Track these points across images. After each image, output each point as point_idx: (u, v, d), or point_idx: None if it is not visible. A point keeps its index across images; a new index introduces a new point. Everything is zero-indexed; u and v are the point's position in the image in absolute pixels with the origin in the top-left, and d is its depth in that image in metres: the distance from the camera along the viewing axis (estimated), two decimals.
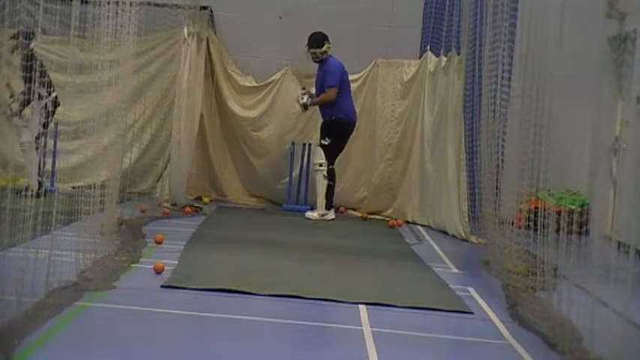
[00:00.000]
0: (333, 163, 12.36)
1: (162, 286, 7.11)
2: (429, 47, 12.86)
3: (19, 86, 11.11)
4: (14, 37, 9.72)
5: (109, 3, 7.96)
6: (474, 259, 9.80)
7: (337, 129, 12.34)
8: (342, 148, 12.54)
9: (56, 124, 11.79)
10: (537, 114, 8.16)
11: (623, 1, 11.86)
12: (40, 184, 11.00)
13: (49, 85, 10.69)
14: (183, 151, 12.21)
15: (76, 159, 9.68)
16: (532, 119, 8.22)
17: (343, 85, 12.45)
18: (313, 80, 12.68)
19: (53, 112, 11.64)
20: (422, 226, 12.34)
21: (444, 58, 12.18)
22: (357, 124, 12.63)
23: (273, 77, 13.52)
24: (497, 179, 9.52)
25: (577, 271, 6.69)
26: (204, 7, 13.44)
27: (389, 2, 13.73)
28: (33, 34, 10.26)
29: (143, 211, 11.08)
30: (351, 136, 12.59)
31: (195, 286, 7.15)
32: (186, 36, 12.18)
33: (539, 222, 7.64)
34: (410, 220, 12.69)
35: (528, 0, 9.00)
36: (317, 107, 12.59)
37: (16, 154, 11.92)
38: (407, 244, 10.80)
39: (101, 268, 7.26)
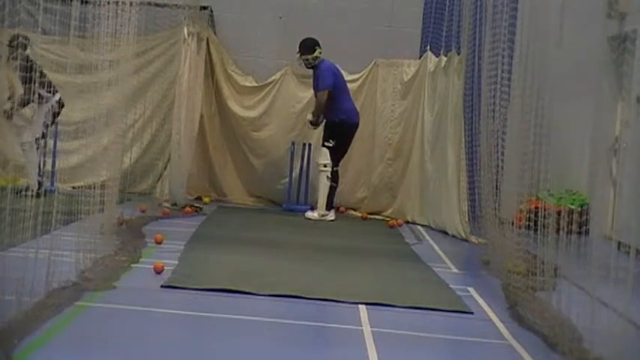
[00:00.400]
0: (337, 165, 12.36)
1: (162, 286, 7.11)
2: (429, 47, 12.86)
3: (19, 87, 11.12)
4: (10, 44, 9.71)
5: (109, 3, 7.95)
6: (474, 259, 9.80)
7: (340, 130, 12.34)
8: (346, 151, 12.53)
9: (56, 124, 11.79)
10: (537, 114, 8.16)
11: (623, 1, 11.86)
12: (39, 184, 11.01)
13: (50, 85, 10.68)
14: (183, 151, 12.21)
15: (76, 159, 9.69)
16: (532, 119, 8.22)
17: (340, 87, 12.44)
18: (312, 80, 12.69)
19: (59, 114, 11.66)
20: (422, 226, 12.34)
21: (444, 58, 12.18)
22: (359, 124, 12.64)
23: (273, 77, 13.53)
24: (497, 179, 9.52)
25: (577, 271, 6.70)
26: (204, 7, 13.44)
27: (389, 2, 13.73)
28: (28, 39, 10.27)
29: (143, 211, 11.08)
30: None
31: (195, 286, 7.15)
32: (186, 36, 12.18)
33: (539, 222, 7.64)
34: (410, 220, 12.69)
35: (528, 0, 9.00)
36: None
37: (16, 154, 11.92)
38: (407, 244, 10.81)
39: (101, 268, 7.26)
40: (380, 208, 13.27)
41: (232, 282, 7.34)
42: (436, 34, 12.80)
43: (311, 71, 12.58)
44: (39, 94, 10.81)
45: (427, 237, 11.46)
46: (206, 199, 13.13)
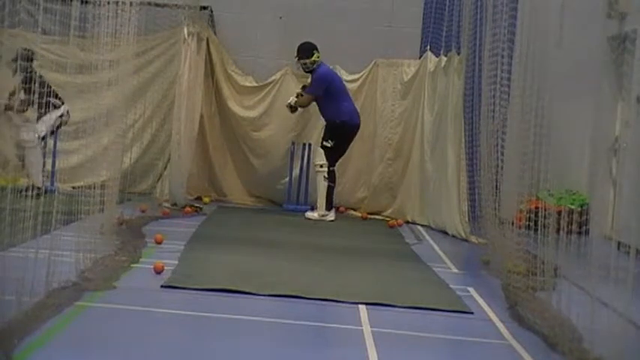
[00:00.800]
0: (333, 165, 12.36)
1: (162, 286, 7.11)
2: (429, 47, 12.86)
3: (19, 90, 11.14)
4: (15, 60, 9.70)
5: (109, 3, 7.95)
6: (474, 259, 9.80)
7: (341, 132, 12.35)
8: (344, 152, 12.55)
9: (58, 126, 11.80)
10: (537, 114, 8.15)
11: (623, 1, 11.86)
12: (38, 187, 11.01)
13: (58, 96, 10.76)
14: (183, 151, 12.21)
15: (76, 159, 9.68)
16: (532, 119, 8.22)
17: (337, 89, 12.45)
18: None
19: (66, 123, 11.70)
20: (422, 226, 12.34)
21: (444, 58, 12.18)
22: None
23: (273, 77, 13.52)
24: (497, 179, 9.52)
25: (577, 271, 6.70)
26: (204, 7, 13.44)
27: (389, 2, 13.73)
28: (33, 53, 10.28)
29: (143, 211, 11.08)
30: None
31: (195, 286, 7.15)
32: (186, 36, 12.18)
33: (539, 222, 7.64)
34: (410, 220, 12.69)
35: (528, 0, 9.00)
36: (317, 109, 12.61)
37: (13, 154, 11.92)
38: (407, 244, 10.80)
39: (101, 268, 7.26)
40: (380, 208, 13.27)
41: (232, 282, 7.34)
42: (436, 34, 12.80)
43: None
44: (52, 102, 10.87)
45: (427, 237, 11.46)
46: (206, 199, 13.13)
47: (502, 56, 9.55)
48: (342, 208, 13.16)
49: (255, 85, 13.57)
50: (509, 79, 9.60)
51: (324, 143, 12.32)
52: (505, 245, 8.79)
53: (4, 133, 12.21)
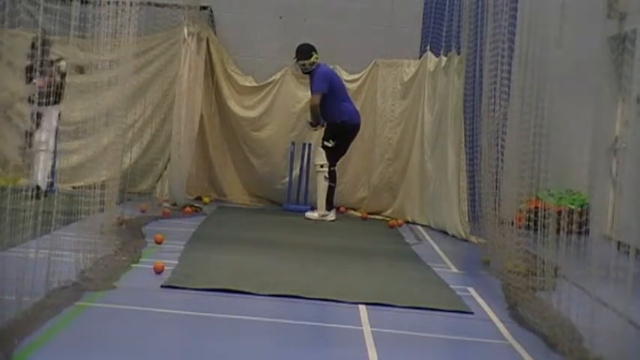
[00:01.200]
0: (334, 165, 12.37)
1: (162, 286, 7.11)
2: (429, 47, 12.87)
3: (19, 87, 11.08)
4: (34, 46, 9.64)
5: (109, 3, 7.95)
6: (473, 259, 9.80)
7: (342, 132, 12.36)
8: (345, 151, 12.57)
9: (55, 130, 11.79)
10: (537, 114, 8.15)
11: (623, 1, 11.85)
12: (38, 186, 11.00)
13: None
14: (184, 151, 12.21)
15: (76, 159, 9.68)
16: (532, 119, 8.22)
17: (337, 89, 12.45)
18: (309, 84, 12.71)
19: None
20: (422, 226, 12.35)
21: (444, 58, 12.19)
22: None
23: (273, 77, 13.53)
24: (497, 179, 9.51)
25: (577, 271, 6.69)
26: (204, 7, 13.45)
27: (389, 2, 13.74)
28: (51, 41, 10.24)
29: (143, 211, 11.09)
30: None
31: (195, 286, 7.15)
32: (186, 36, 12.19)
33: (539, 222, 7.64)
34: (410, 220, 12.69)
35: (528, 0, 9.00)
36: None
37: (16, 155, 11.90)
38: (407, 244, 10.80)
39: (101, 268, 7.26)
40: (380, 208, 13.27)
41: (232, 282, 7.34)
42: (436, 34, 12.80)
43: None
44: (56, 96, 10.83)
45: (427, 237, 11.47)
46: (206, 199, 13.13)
47: (502, 56, 9.55)
48: (342, 208, 13.17)
49: (255, 85, 13.58)
50: (509, 79, 9.60)
51: (325, 143, 12.32)
52: (505, 245, 8.79)
53: (4, 133, 12.21)
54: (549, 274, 7.66)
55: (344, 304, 7.00)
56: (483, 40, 10.65)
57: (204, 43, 12.98)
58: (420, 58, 13.13)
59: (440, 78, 12.26)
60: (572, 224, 7.35)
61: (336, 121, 12.33)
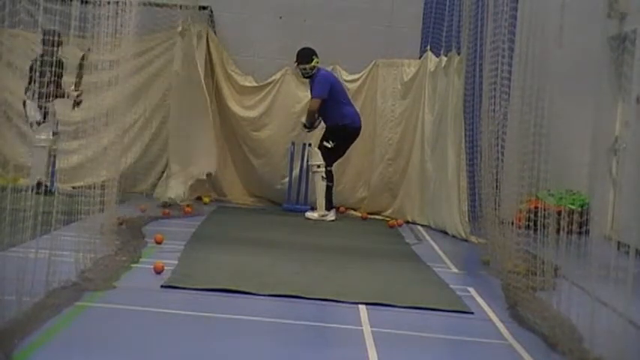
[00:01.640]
0: (331, 165, 12.37)
1: (162, 286, 7.11)
2: (429, 47, 12.86)
3: (20, 87, 11.11)
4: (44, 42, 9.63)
5: (109, 3, 7.95)
6: (473, 259, 9.80)
7: (343, 134, 12.37)
8: (344, 154, 12.57)
9: (56, 124, 11.79)
10: (537, 114, 8.16)
11: (623, 1, 11.86)
12: (39, 184, 11.00)
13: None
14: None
15: (76, 159, 9.67)
16: (532, 119, 8.22)
17: (338, 92, 12.46)
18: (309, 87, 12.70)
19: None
20: (422, 226, 12.35)
21: (445, 58, 12.18)
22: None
23: (273, 77, 13.53)
24: (497, 179, 9.52)
25: (577, 271, 6.69)
26: (204, 7, 13.44)
27: (389, 2, 13.73)
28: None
29: (143, 211, 11.08)
30: None
31: (195, 286, 7.15)
32: (178, 33, 12.31)
33: (539, 222, 7.64)
34: (410, 220, 12.69)
35: (528, 0, 9.00)
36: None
37: (16, 154, 11.92)
38: (407, 244, 10.80)
39: (101, 268, 7.26)
40: (380, 208, 13.27)
41: (232, 282, 7.34)
42: (436, 34, 12.80)
43: None
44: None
45: (427, 237, 11.47)
46: (206, 199, 13.13)
47: (502, 56, 9.54)
48: (342, 208, 13.16)
49: (255, 85, 13.58)
50: (509, 79, 9.60)
51: (324, 144, 12.32)
52: (505, 245, 8.79)
53: (4, 133, 12.22)
54: (549, 274, 7.66)
55: (344, 304, 7.00)
56: (483, 40, 10.65)
57: (203, 42, 12.98)
58: (420, 58, 13.12)
59: (440, 78, 12.26)
60: (572, 224, 7.35)
61: (338, 124, 12.33)
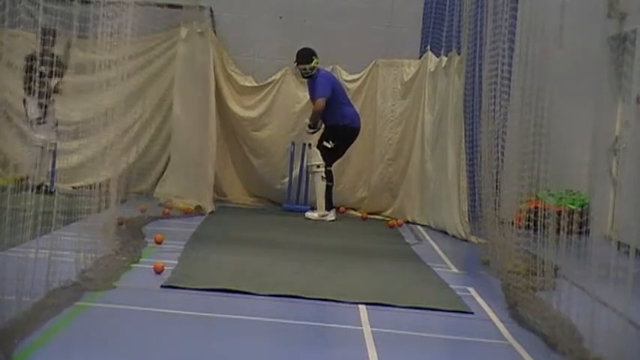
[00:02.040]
0: (330, 165, 12.37)
1: (162, 286, 7.11)
2: (429, 47, 12.86)
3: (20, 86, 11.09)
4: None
5: (109, 3, 7.95)
6: (473, 259, 9.80)
7: (343, 134, 12.38)
8: (343, 153, 12.58)
9: (56, 124, 11.79)
10: (537, 114, 8.16)
11: (623, 1, 11.86)
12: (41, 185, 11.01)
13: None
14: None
15: (76, 159, 9.68)
16: (532, 119, 8.22)
17: (339, 92, 12.46)
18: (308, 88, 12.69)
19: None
20: (422, 226, 12.35)
21: (445, 58, 12.18)
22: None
23: (273, 77, 13.53)
24: (497, 179, 9.52)
25: (577, 271, 6.69)
26: (204, 7, 13.44)
27: (389, 2, 13.74)
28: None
29: (143, 211, 11.08)
30: None
31: (195, 286, 7.15)
32: (182, 36, 12.28)
33: (539, 222, 7.64)
34: (410, 220, 12.69)
35: (528, 0, 9.00)
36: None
37: (16, 154, 11.92)
38: (407, 244, 10.80)
39: (101, 268, 7.27)
40: (380, 208, 13.27)
41: (232, 282, 7.34)
42: (436, 34, 12.80)
43: None
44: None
45: (427, 237, 11.46)
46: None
47: (502, 56, 9.55)
48: (342, 208, 13.16)
49: (255, 85, 13.57)
50: (509, 79, 9.60)
51: (324, 144, 12.32)
52: (505, 245, 8.79)
53: (4, 133, 12.22)
54: (549, 274, 7.66)
55: (344, 304, 7.00)
56: (483, 40, 10.65)
57: (207, 42, 12.99)
58: (420, 58, 13.12)
59: (440, 78, 12.26)
60: (572, 224, 7.35)
61: (339, 124, 12.34)
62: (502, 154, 9.49)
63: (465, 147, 11.69)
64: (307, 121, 12.50)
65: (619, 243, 6.24)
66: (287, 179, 13.33)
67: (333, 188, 12.45)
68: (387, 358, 5.62)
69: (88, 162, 9.27)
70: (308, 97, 12.87)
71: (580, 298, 6.25)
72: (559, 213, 7.45)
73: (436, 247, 10.63)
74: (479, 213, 10.52)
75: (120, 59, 8.53)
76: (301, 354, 5.71)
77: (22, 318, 5.30)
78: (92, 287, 6.68)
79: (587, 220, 7.32)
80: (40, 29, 6.32)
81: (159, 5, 13.19)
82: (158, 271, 7.55)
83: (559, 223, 6.95)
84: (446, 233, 11.61)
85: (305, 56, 12.38)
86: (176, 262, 8.10)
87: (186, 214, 11.73)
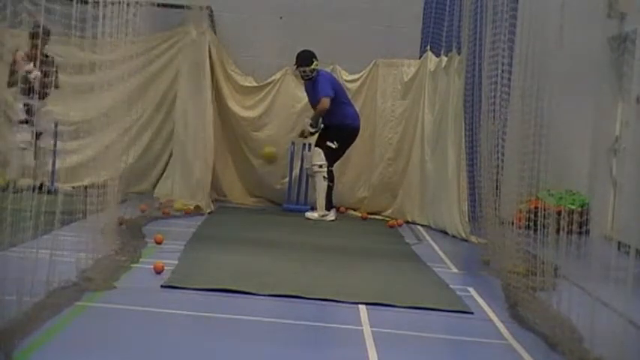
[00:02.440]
0: (332, 166, 12.38)
1: (162, 286, 7.11)
2: (429, 47, 12.87)
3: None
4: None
5: (112, 4, 7.95)
6: (473, 259, 9.81)
7: (346, 134, 12.39)
8: (344, 153, 12.60)
9: (56, 124, 11.79)
10: (537, 114, 8.16)
11: (623, 1, 11.86)
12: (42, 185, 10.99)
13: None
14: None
15: (76, 159, 9.68)
16: (532, 119, 8.22)
17: (340, 93, 12.47)
18: (307, 91, 12.68)
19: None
20: (422, 226, 12.35)
21: (445, 58, 12.19)
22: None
23: (273, 77, 13.52)
24: (497, 179, 9.52)
25: (577, 271, 6.70)
26: (202, 7, 13.42)
27: (389, 2, 13.74)
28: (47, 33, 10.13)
29: (143, 211, 11.08)
30: None
31: (195, 286, 7.15)
32: (194, 37, 12.28)
33: (539, 222, 7.64)
34: (410, 220, 12.69)
35: (528, 0, 9.00)
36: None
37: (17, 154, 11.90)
38: (407, 244, 10.81)
39: (101, 268, 7.26)
40: (380, 208, 13.27)
41: (232, 282, 7.34)
42: (436, 34, 12.80)
43: None
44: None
45: (427, 237, 11.47)
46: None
47: (502, 56, 9.55)
48: (342, 208, 13.16)
49: (255, 85, 13.57)
50: (509, 79, 9.60)
51: (329, 144, 12.31)
52: (505, 245, 8.79)
53: (5, 133, 12.21)
54: (549, 274, 7.66)
55: (344, 304, 7.00)
56: (483, 40, 10.65)
57: (207, 42, 13.00)
58: (420, 58, 13.13)
59: (440, 78, 12.27)
60: (572, 224, 7.35)
61: (343, 123, 12.34)
62: (502, 154, 9.50)
63: (465, 147, 11.68)
64: (308, 120, 12.49)
65: (619, 243, 6.24)
66: (287, 179, 13.33)
67: (334, 188, 12.45)
68: (387, 358, 5.62)
69: (88, 162, 9.26)
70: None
71: (580, 298, 6.25)
72: (559, 213, 7.45)
73: (436, 247, 10.63)
74: (479, 213, 10.52)
75: (120, 59, 8.53)
76: (301, 354, 5.71)
77: (23, 318, 5.30)
78: (92, 287, 6.68)
79: (587, 220, 7.33)
80: (32, 28, 6.31)
81: (159, 5, 13.18)
82: (158, 271, 7.55)
83: (559, 223, 6.95)
84: (446, 233, 11.62)
85: (305, 58, 12.37)
86: (176, 262, 8.11)
87: (186, 214, 11.73)
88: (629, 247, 5.80)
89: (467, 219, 11.41)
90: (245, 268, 8.18)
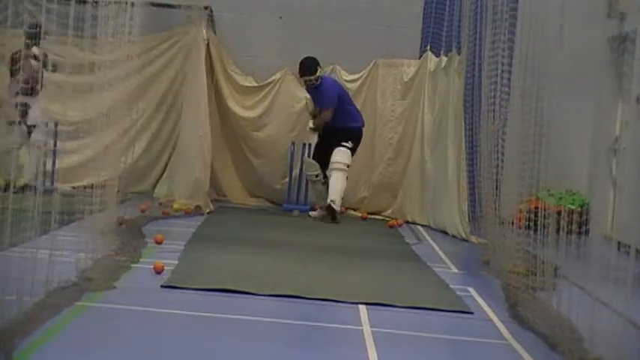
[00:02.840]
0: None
1: (162, 286, 7.11)
2: (429, 47, 12.87)
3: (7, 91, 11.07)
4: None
5: (112, 3, 7.95)
6: (473, 259, 9.81)
7: (357, 136, 12.34)
8: (354, 153, 12.58)
9: (56, 124, 11.78)
10: (537, 114, 8.16)
11: (623, 1, 11.86)
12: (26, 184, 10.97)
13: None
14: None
15: (76, 159, 9.67)
16: (532, 119, 8.22)
17: (344, 97, 12.46)
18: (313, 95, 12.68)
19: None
20: (422, 226, 12.35)
21: (445, 58, 12.19)
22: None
23: (273, 77, 13.53)
24: (497, 179, 9.52)
25: (577, 271, 6.70)
26: (204, 7, 13.43)
27: (389, 2, 13.74)
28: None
29: (143, 211, 11.08)
30: None
31: (195, 286, 7.15)
32: (204, 37, 12.30)
33: (539, 222, 7.64)
34: (410, 220, 12.69)
35: (528, 0, 9.00)
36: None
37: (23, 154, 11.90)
38: (407, 244, 10.81)
39: (101, 268, 7.26)
40: (380, 208, 13.27)
41: (232, 282, 7.34)
42: (436, 34, 12.80)
43: None
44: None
45: (427, 237, 11.47)
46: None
47: (502, 56, 9.55)
48: (342, 208, 13.15)
49: (255, 85, 13.57)
50: (509, 79, 9.60)
51: (344, 143, 12.22)
52: (505, 245, 8.79)
53: (4, 134, 12.19)
54: (549, 274, 7.66)
55: (344, 304, 7.00)
56: (483, 40, 10.65)
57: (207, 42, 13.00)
58: (420, 58, 13.13)
59: (440, 78, 12.27)
60: (572, 224, 7.35)
61: (350, 126, 12.29)
62: (502, 154, 9.49)
63: (465, 147, 11.68)
64: (311, 125, 12.44)
65: (619, 243, 6.24)
66: (287, 179, 13.33)
67: None
68: (387, 358, 5.62)
69: (88, 162, 9.26)
70: (308, 96, 12.84)
71: (580, 298, 6.25)
72: (559, 213, 7.45)
73: (436, 247, 10.63)
74: (479, 213, 10.52)
75: (120, 59, 8.53)
76: (301, 354, 5.71)
77: (23, 318, 5.30)
78: (92, 287, 6.68)
79: (587, 220, 7.33)
80: (26, 28, 6.31)
81: (159, 5, 13.19)
82: (158, 271, 7.55)
83: (559, 223, 6.95)
84: (446, 233, 11.62)
85: (309, 67, 12.24)
86: (176, 262, 8.10)
87: (186, 214, 11.73)
88: (629, 247, 5.80)
89: (467, 219, 11.41)
90: (245, 268, 8.18)
